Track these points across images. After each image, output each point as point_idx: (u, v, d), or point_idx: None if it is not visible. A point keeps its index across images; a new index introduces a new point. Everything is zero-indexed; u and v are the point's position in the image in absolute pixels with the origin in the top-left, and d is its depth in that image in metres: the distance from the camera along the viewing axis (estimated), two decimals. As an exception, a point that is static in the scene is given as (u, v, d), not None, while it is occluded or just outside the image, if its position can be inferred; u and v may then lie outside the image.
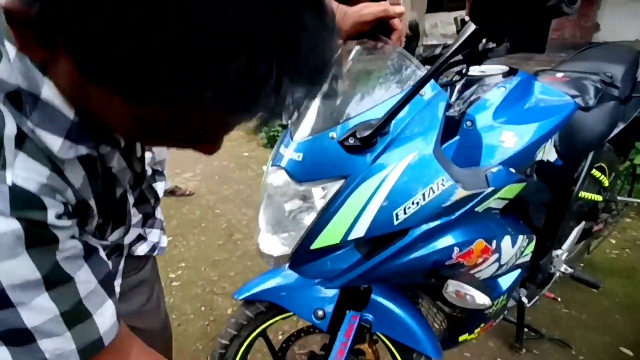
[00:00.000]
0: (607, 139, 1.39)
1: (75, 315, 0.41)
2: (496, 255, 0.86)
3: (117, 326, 0.46)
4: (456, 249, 0.75)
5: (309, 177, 0.72)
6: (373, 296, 0.98)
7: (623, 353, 1.52)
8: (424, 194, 0.68)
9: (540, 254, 1.36)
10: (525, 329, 1.57)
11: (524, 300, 1.32)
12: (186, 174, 3.48)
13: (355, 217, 0.69)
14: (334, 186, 0.70)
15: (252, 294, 1.02)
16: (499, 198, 0.82)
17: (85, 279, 0.43)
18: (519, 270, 1.09)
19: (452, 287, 0.74)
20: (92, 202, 0.45)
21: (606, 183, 1.53)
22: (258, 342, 1.11)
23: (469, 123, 0.94)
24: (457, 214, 0.72)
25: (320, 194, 0.71)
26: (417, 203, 0.68)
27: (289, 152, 0.75)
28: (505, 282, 1.07)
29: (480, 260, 0.80)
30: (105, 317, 0.44)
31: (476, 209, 0.76)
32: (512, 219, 1.07)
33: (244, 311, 1.05)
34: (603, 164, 1.78)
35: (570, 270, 1.43)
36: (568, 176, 1.31)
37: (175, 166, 3.53)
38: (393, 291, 1.01)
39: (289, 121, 0.81)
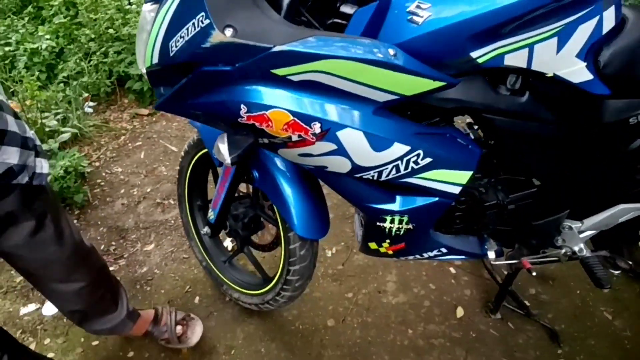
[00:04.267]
0: None
1: None
2: (331, 146, 0.72)
3: None
4: (243, 107, 0.68)
5: (151, -1, 0.76)
6: (261, 154, 1.00)
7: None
8: (188, 29, 0.63)
9: (541, 212, 1.00)
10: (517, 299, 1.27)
11: (490, 255, 1.06)
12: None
13: (154, 42, 0.71)
14: (154, 8, 0.72)
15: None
16: (340, 76, 0.65)
17: None
18: (434, 199, 0.87)
19: (220, 140, 0.70)
20: None
21: None
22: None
23: (391, -17, 0.71)
24: (238, 65, 0.64)
25: (151, 17, 0.74)
26: (183, 37, 0.64)
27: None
28: (404, 201, 0.89)
29: (293, 136, 0.70)
30: None
31: (276, 72, 0.64)
32: (447, 132, 0.82)
33: (193, 136, 1.24)
34: None
35: (587, 253, 1.00)
36: (614, 117, 0.82)
37: None
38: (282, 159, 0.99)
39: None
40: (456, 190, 0.85)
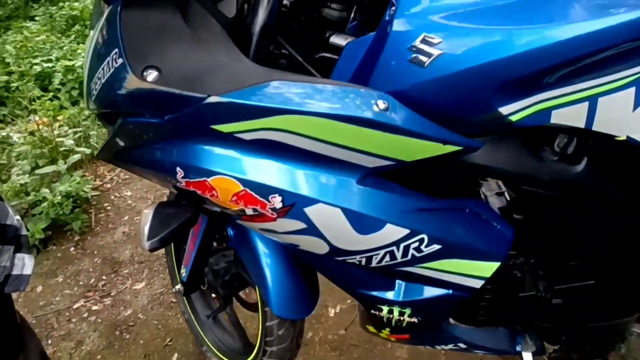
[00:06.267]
0: None
1: None
2: (299, 224, 0.53)
3: None
4: (179, 170, 0.50)
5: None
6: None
7: None
8: (104, 69, 0.47)
9: (598, 313, 0.74)
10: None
11: (525, 356, 0.80)
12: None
13: (84, 80, 0.56)
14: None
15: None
16: (308, 137, 0.46)
17: None
18: (446, 292, 0.65)
19: (145, 214, 0.53)
20: None
21: None
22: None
23: (392, 9, 0.52)
24: (167, 118, 0.47)
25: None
26: (100, 79, 0.48)
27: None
28: (407, 290, 0.67)
29: (247, 209, 0.52)
30: None
31: (218, 129, 0.46)
32: (468, 206, 0.60)
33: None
34: None
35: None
36: None
37: None
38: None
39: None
40: (477, 284, 0.62)
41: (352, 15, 0.69)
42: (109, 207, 1.82)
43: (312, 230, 0.54)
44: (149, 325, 1.29)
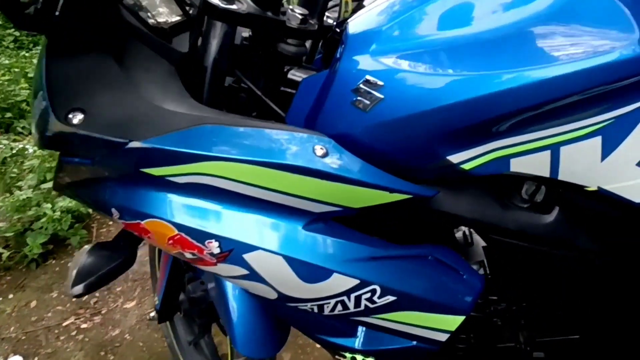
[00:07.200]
0: None
1: None
2: (240, 270, 0.50)
3: None
4: (114, 211, 0.49)
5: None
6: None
7: None
8: (35, 109, 0.46)
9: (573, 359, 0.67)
10: None
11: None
12: None
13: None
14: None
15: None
16: (244, 182, 0.43)
17: None
18: (410, 343, 0.60)
19: (78, 254, 0.51)
20: None
21: None
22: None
23: (342, 47, 0.49)
24: (97, 159, 0.45)
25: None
26: (35, 119, 0.47)
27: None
28: (369, 338, 0.62)
29: (185, 253, 0.49)
30: None
31: (148, 172, 0.44)
32: (431, 253, 0.55)
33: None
34: None
35: None
36: None
37: None
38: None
39: None
40: (442, 337, 0.57)
41: (320, 47, 0.67)
42: (110, 222, 1.84)
43: (254, 276, 0.51)
44: (134, 347, 1.28)
